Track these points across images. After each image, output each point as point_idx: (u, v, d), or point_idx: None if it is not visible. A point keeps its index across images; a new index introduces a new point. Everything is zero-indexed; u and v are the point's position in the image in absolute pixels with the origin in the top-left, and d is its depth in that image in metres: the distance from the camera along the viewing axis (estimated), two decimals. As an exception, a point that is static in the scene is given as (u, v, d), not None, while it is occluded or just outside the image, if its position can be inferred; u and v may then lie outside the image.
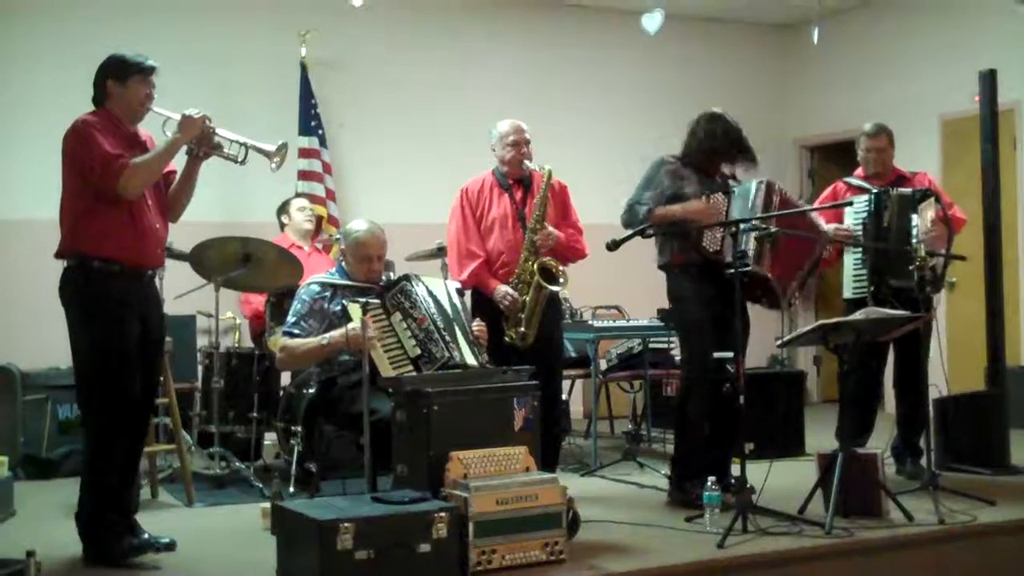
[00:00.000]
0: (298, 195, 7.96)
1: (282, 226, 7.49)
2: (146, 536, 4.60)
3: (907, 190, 6.20)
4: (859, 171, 6.56)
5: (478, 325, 5.37)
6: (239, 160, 4.79)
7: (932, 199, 6.05)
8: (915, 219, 5.87)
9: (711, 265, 5.42)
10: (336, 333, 5.09)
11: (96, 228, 4.46)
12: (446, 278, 5.79)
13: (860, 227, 6.16)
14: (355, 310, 5.02)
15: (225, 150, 4.77)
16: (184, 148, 4.68)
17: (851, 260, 6.29)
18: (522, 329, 5.71)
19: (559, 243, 5.80)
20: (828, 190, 6.61)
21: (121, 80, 4.61)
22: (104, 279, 4.47)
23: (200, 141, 4.70)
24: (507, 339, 5.70)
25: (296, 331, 5.25)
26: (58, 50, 7.94)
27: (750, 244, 5.26)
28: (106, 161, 4.41)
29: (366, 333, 4.84)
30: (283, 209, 7.51)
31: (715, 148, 5.56)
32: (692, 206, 5.44)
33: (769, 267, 5.35)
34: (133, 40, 7.82)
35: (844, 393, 5.99)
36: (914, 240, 5.75)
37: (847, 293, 6.30)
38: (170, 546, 4.60)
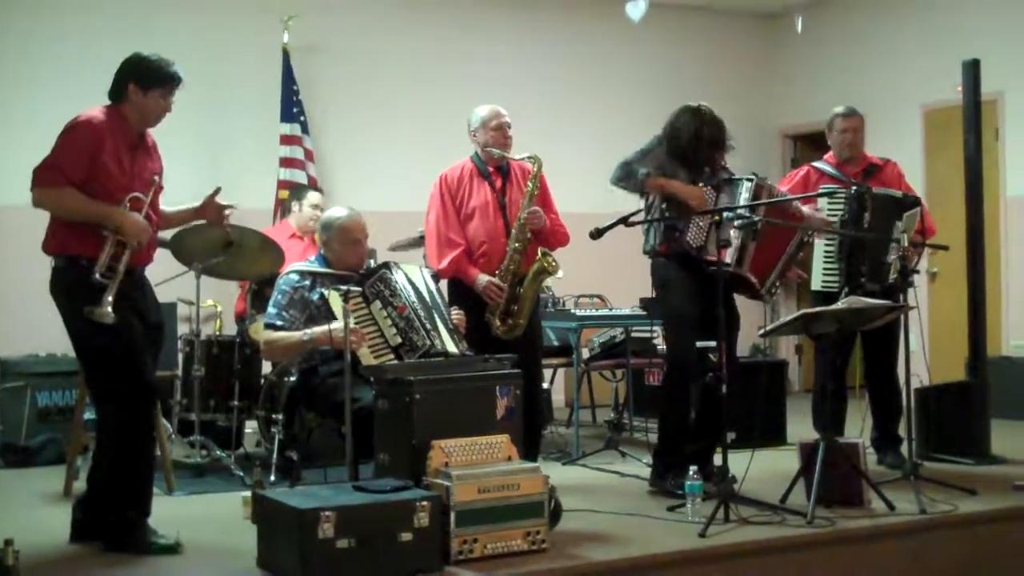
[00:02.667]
0: (316, 190, 7.81)
1: (288, 210, 7.38)
2: None
3: (896, 193, 6.19)
4: (829, 156, 6.51)
5: (457, 314, 5.36)
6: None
7: (918, 210, 6.03)
8: (899, 225, 5.87)
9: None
10: (318, 330, 5.07)
11: (85, 229, 4.42)
12: (422, 266, 5.77)
13: (836, 223, 6.12)
14: (335, 298, 5.00)
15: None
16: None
17: (821, 251, 6.23)
18: (511, 320, 5.69)
19: (544, 229, 5.78)
20: (798, 174, 6.48)
21: (143, 89, 4.54)
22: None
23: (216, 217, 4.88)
24: (496, 332, 5.67)
25: (279, 322, 5.22)
26: (51, 36, 7.91)
27: (733, 242, 5.26)
28: (53, 168, 4.36)
29: (348, 323, 4.82)
30: (299, 196, 7.38)
31: (689, 146, 5.48)
32: (690, 187, 5.42)
33: (751, 262, 5.36)
34: (120, 25, 7.92)
35: (819, 383, 6.00)
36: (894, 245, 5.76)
37: (815, 285, 6.25)
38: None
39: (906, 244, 5.48)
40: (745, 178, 5.42)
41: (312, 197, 7.35)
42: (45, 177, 4.37)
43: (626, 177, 5.46)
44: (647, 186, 5.46)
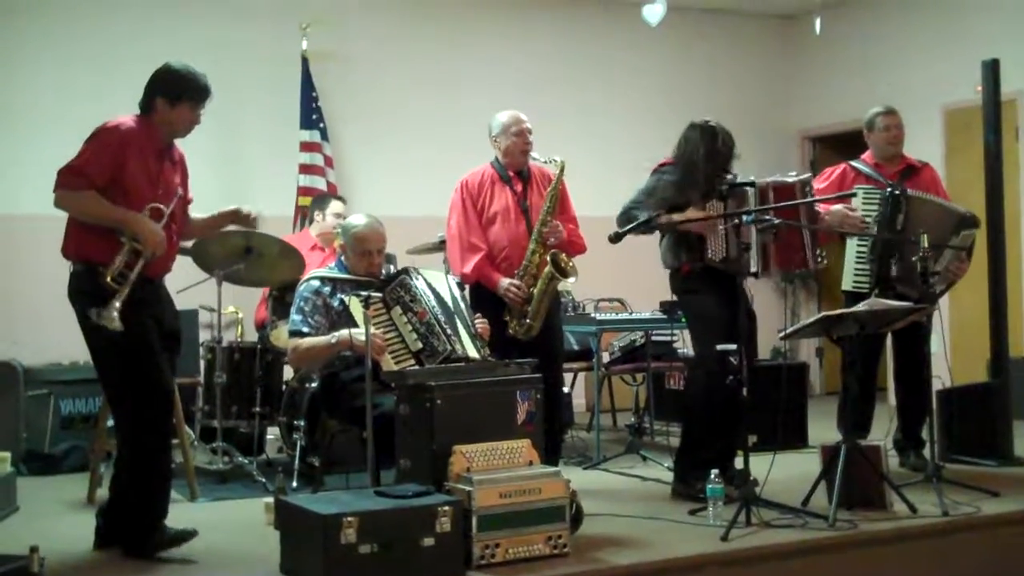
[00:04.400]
0: (338, 198, 7.72)
1: (311, 220, 7.39)
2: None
3: (959, 208, 6.14)
4: (866, 155, 6.47)
5: (481, 321, 5.36)
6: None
7: (975, 230, 6.00)
8: (955, 240, 5.84)
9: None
10: (344, 333, 5.07)
11: (102, 233, 4.44)
12: (448, 272, 5.78)
13: (871, 223, 6.08)
14: (355, 304, 5.02)
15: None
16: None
17: (854, 250, 6.17)
18: (527, 320, 5.70)
19: (561, 240, 5.79)
20: (835, 172, 6.41)
21: (171, 102, 4.56)
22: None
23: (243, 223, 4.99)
24: (511, 331, 5.69)
25: (305, 329, 5.23)
26: (61, 43, 7.96)
27: (754, 246, 5.27)
28: (76, 171, 4.40)
29: (369, 329, 4.83)
30: (322, 205, 7.33)
31: (705, 167, 5.46)
32: (695, 216, 5.38)
33: (776, 260, 5.36)
34: (136, 33, 7.96)
35: (846, 386, 5.98)
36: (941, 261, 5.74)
37: (846, 285, 6.20)
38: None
39: (925, 246, 5.44)
40: (747, 183, 5.36)
41: (335, 206, 7.29)
42: (68, 179, 4.40)
43: (629, 224, 5.45)
44: (657, 228, 5.47)
